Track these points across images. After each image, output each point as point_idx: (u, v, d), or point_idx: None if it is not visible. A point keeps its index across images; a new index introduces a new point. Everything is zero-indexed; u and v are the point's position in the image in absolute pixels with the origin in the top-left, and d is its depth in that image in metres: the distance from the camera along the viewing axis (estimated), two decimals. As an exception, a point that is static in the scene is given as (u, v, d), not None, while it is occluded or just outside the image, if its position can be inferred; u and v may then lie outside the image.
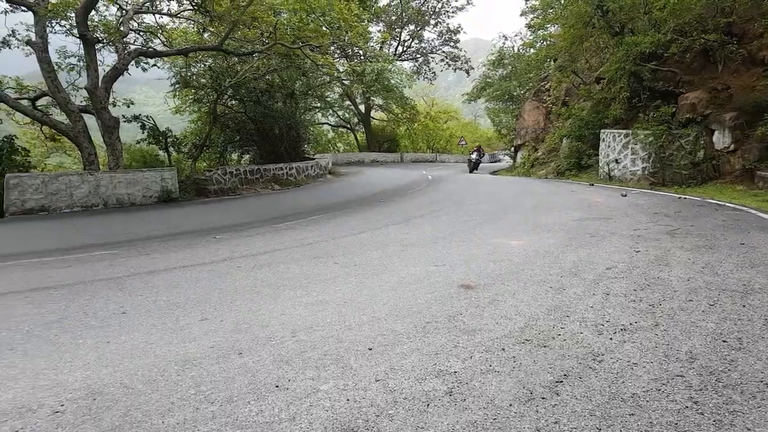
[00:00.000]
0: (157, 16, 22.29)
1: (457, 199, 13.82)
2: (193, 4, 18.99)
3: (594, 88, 21.95)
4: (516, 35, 34.78)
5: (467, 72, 46.53)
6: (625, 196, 12.63)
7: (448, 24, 47.06)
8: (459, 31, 47.04)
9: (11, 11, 17.57)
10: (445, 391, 2.72)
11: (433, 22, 47.18)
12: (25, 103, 18.45)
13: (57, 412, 2.67)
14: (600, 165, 19.06)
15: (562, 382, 2.81)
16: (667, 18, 16.49)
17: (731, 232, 7.29)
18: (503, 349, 3.28)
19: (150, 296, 4.99)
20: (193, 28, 23.42)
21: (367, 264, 6.11)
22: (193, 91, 25.24)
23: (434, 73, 49.58)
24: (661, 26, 17.03)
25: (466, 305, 4.23)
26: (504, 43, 34.33)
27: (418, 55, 49.31)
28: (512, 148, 34.70)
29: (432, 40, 48.90)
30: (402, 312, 4.13)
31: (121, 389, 2.90)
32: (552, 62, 26.08)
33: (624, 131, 17.66)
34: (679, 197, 12.23)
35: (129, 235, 9.81)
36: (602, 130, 19.10)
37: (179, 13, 21.84)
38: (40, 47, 16.36)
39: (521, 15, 29.01)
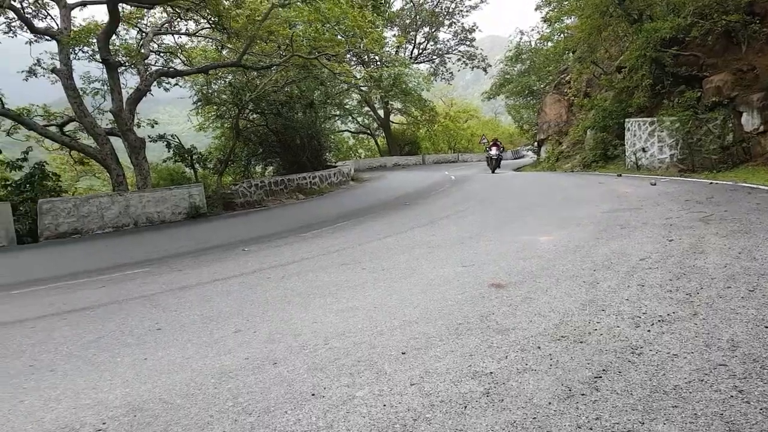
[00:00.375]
0: (176, 36, 22.79)
1: (482, 198, 13.74)
2: (211, 22, 19.32)
3: (615, 78, 21.64)
4: (533, 29, 34.45)
5: (485, 70, 46.38)
6: (655, 184, 12.39)
7: (462, 23, 47.03)
8: (474, 30, 46.98)
9: (36, 41, 18.12)
10: (482, 392, 2.69)
11: (447, 22, 47.15)
12: (53, 129, 19.00)
13: (99, 430, 2.71)
14: (627, 155, 18.75)
15: (601, 377, 2.75)
16: (686, 1, 16.17)
17: (767, 215, 7.09)
18: (539, 347, 3.24)
19: (184, 311, 5.06)
20: (211, 45, 23.86)
21: (394, 268, 6.10)
22: (215, 107, 25.67)
23: (451, 73, 49.54)
24: (680, 10, 16.71)
25: (498, 304, 4.19)
26: (521, 38, 34.10)
27: (435, 57, 49.33)
28: (535, 143, 34.38)
29: (447, 41, 48.95)
30: (433, 314, 4.10)
31: (160, 405, 2.94)
32: (571, 54, 25.79)
33: (649, 119, 17.34)
34: (710, 182, 11.94)
35: (160, 253, 9.98)
36: (627, 119, 18.80)
37: (197, 32, 22.27)
38: (65, 74, 16.82)
39: (536, 9, 28.78)
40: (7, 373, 3.73)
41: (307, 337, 3.88)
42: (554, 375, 2.82)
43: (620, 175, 16.70)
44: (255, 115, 26.17)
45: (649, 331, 3.35)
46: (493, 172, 26.80)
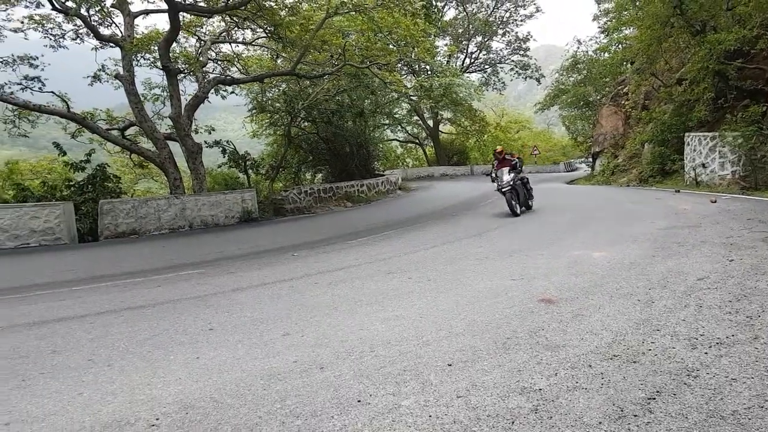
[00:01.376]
0: (233, 45, 23.45)
1: (533, 211, 13.49)
2: (267, 31, 19.80)
3: (675, 90, 20.96)
4: (590, 39, 33.77)
5: (538, 80, 45.66)
6: (715, 202, 11.90)
7: (516, 33, 46.54)
8: (528, 39, 46.40)
9: (101, 48, 18.98)
10: (530, 409, 2.64)
11: (501, 32, 46.76)
12: (115, 133, 19.83)
13: (153, 425, 2.81)
14: (686, 170, 18.10)
15: (654, 399, 2.66)
16: (753, 12, 15.53)
17: (840, 238, 6.70)
18: (590, 366, 3.16)
19: (235, 313, 5.18)
20: (267, 55, 24.43)
21: (441, 279, 6.07)
22: (268, 115, 26.29)
23: (503, 83, 49.02)
24: (746, 22, 16.05)
25: (548, 320, 4.11)
26: (578, 48, 33.48)
27: (487, 66, 48.96)
28: (590, 156, 33.62)
29: (500, 50, 48.52)
30: (480, 327, 4.06)
31: (211, 403, 3.02)
32: (629, 65, 25.16)
33: (710, 134, 16.69)
34: (776, 201, 11.39)
35: (213, 255, 10.25)
36: (686, 134, 18.16)
37: (254, 41, 22.87)
38: (127, 80, 17.53)
39: (593, 20, 28.28)
40: (68, 366, 3.91)
41: (353, 343, 3.91)
42: (606, 394, 2.75)
43: (678, 191, 16.11)
44: (306, 123, 26.61)
45: (706, 353, 3.22)
46: (515, 213, 12.46)
